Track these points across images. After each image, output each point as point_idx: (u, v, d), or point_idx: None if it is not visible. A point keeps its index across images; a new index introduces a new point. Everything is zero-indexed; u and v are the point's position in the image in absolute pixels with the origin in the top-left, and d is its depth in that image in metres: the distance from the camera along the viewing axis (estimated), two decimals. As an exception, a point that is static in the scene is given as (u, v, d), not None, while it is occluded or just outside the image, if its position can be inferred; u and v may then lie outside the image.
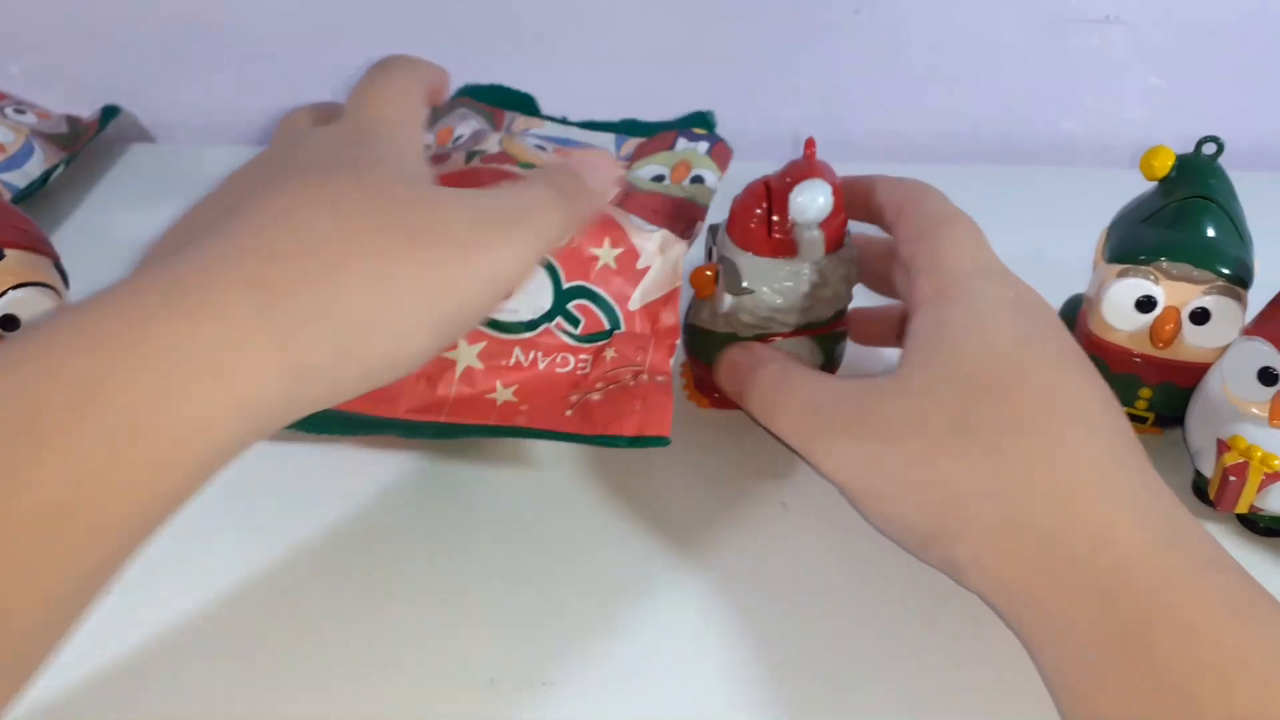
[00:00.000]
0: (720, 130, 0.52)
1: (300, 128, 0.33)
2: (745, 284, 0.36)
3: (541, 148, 0.46)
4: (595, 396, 0.36)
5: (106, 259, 0.34)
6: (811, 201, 0.34)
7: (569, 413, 0.35)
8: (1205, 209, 0.37)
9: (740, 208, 0.36)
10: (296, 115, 0.34)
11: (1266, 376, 0.33)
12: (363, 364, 0.26)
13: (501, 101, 0.50)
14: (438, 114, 0.48)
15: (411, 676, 0.30)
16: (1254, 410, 0.33)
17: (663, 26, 0.61)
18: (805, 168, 0.35)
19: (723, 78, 0.63)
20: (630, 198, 0.42)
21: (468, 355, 0.37)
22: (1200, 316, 0.37)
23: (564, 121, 0.51)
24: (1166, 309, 0.37)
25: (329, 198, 0.26)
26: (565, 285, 0.37)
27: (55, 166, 0.54)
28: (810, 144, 0.36)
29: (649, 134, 0.50)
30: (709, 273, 0.37)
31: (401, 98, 0.32)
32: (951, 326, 0.31)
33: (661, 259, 0.38)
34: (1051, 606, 0.26)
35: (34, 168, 0.53)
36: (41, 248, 0.36)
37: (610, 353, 0.37)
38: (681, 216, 0.41)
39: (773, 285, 0.36)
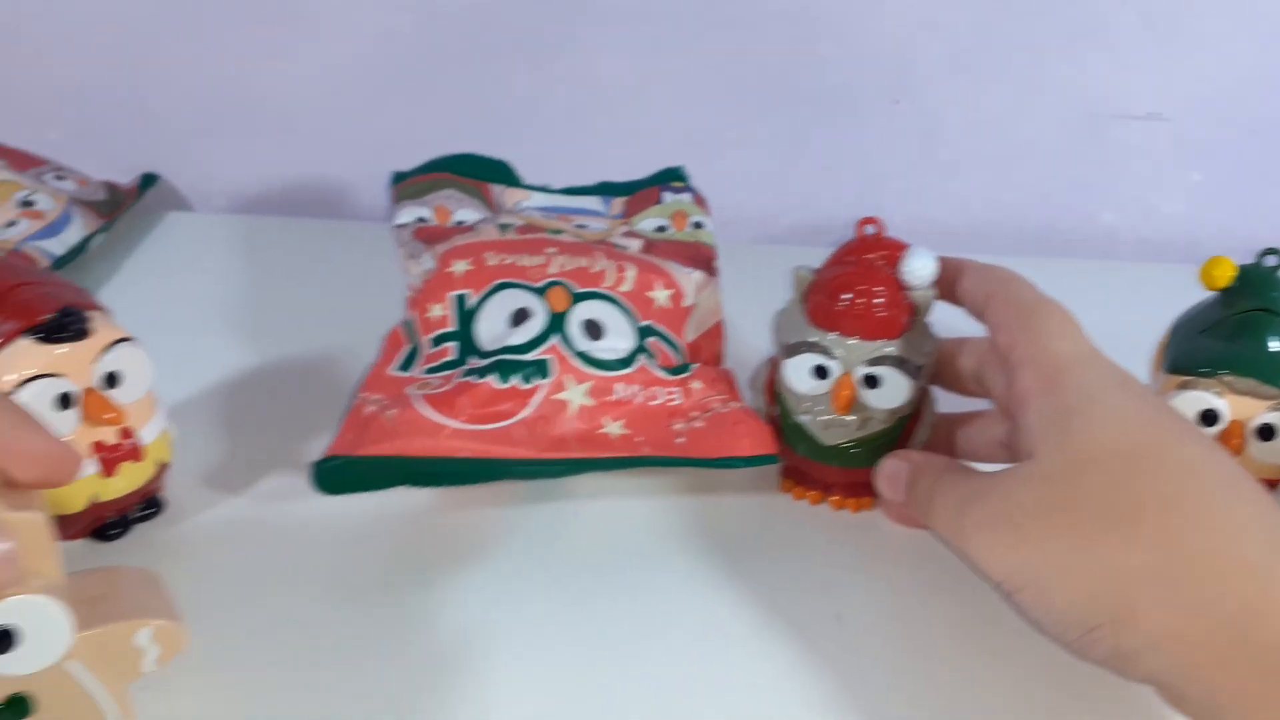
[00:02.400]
0: (753, 216, 0.52)
1: None
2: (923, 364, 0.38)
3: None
4: (698, 424, 0.38)
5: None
6: (928, 263, 0.37)
7: (680, 440, 0.38)
8: (1270, 322, 0.36)
9: (865, 296, 0.37)
10: None
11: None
12: None
13: (477, 172, 0.51)
14: (423, 189, 0.49)
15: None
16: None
17: (700, 112, 0.61)
18: (872, 243, 0.38)
19: (759, 164, 0.62)
20: (654, 246, 0.46)
21: (578, 394, 0.38)
22: (1266, 432, 0.36)
23: (546, 190, 0.51)
24: (1231, 424, 0.36)
25: None
26: (640, 323, 0.41)
27: (94, 234, 0.54)
28: (869, 222, 0.38)
29: (628, 193, 0.53)
30: (846, 391, 0.37)
31: None
32: (1073, 411, 0.30)
33: (701, 296, 0.43)
34: (1256, 689, 0.25)
35: (72, 235, 0.53)
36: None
37: (696, 384, 0.40)
38: (700, 258, 0.45)
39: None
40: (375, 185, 0.62)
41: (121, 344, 0.34)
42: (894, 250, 0.37)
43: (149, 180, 0.61)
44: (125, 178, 0.61)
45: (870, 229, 0.38)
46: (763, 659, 0.34)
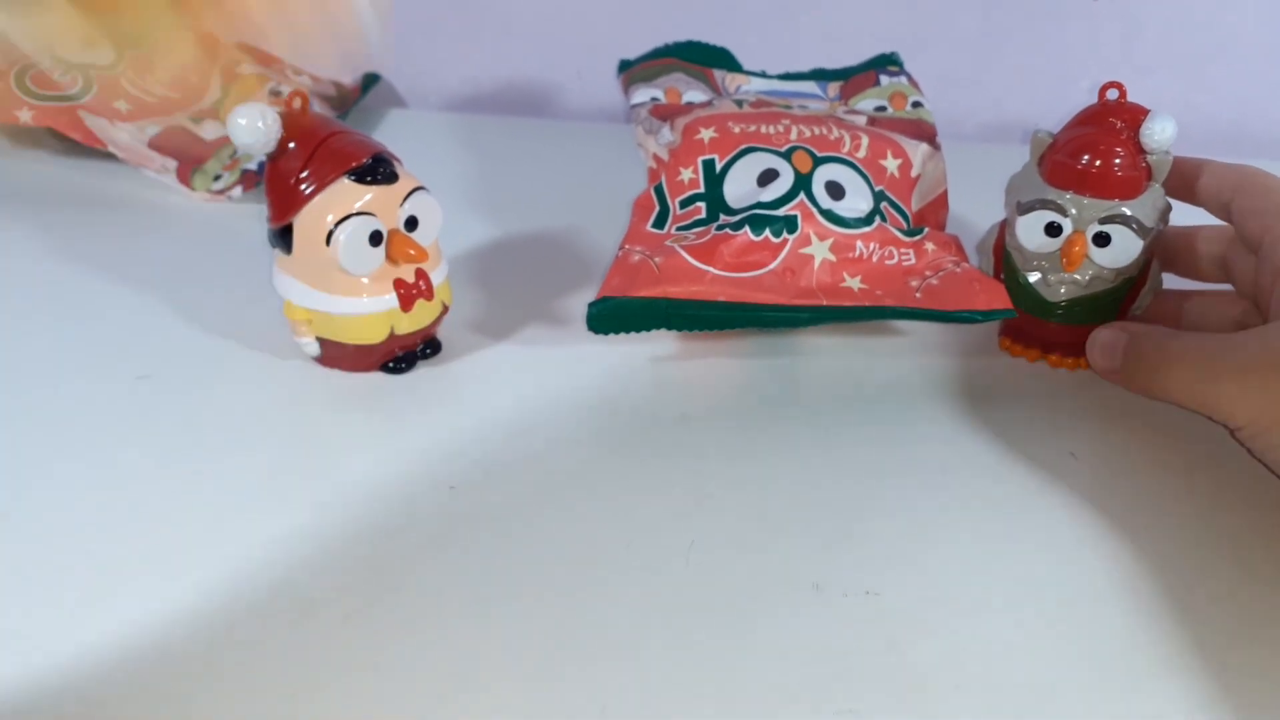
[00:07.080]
0: (943, 116, 0.53)
1: None
2: (1158, 225, 0.39)
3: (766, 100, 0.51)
4: (934, 281, 0.40)
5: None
6: (1168, 126, 0.38)
7: (918, 295, 0.40)
8: None
9: (1104, 157, 0.38)
10: None
11: None
12: None
13: (701, 57, 0.53)
14: (653, 73, 0.51)
15: (737, 580, 0.32)
16: None
17: (897, 12, 0.62)
18: (1114, 108, 0.39)
19: (951, 63, 0.64)
20: (877, 122, 0.47)
21: (821, 250, 0.40)
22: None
23: (764, 75, 0.54)
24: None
25: None
26: (876, 187, 0.43)
27: (332, 125, 0.58)
28: (1112, 86, 0.40)
29: (844, 78, 0.54)
30: (1078, 248, 0.39)
31: None
32: None
33: (926, 168, 0.45)
34: None
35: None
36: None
37: (929, 245, 0.41)
38: (923, 134, 0.47)
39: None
40: (579, 86, 0.65)
41: (419, 191, 0.38)
42: (1134, 115, 0.39)
43: (371, 79, 0.65)
44: (347, 78, 0.66)
45: (1113, 94, 0.39)
46: (1010, 486, 0.36)
